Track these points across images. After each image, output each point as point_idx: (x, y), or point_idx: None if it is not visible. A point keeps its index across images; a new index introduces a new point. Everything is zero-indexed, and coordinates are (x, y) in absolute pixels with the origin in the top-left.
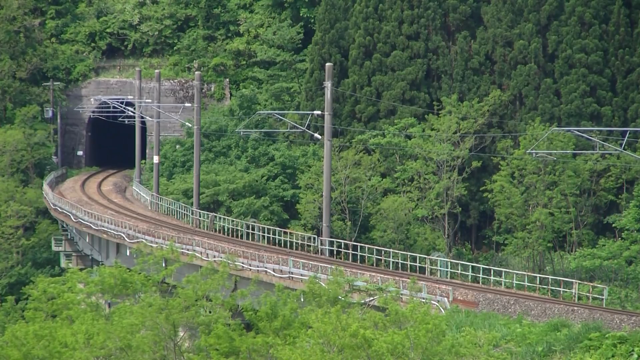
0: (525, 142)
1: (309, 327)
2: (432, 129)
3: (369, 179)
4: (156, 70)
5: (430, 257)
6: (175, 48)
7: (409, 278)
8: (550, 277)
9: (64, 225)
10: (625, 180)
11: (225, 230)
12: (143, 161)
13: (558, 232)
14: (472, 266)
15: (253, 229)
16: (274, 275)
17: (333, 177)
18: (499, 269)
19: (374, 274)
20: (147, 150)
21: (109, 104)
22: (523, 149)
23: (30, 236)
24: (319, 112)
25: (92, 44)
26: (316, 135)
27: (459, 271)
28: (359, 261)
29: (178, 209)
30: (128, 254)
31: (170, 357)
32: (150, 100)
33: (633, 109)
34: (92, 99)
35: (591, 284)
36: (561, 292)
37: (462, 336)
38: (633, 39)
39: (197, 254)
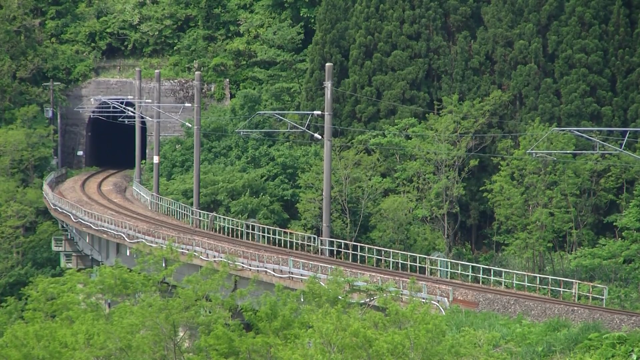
0: (525, 142)
1: (309, 327)
2: (431, 129)
3: (369, 179)
4: (156, 70)
5: (430, 257)
6: (175, 48)
7: (409, 278)
8: (550, 277)
9: (64, 225)
10: (625, 180)
11: (225, 230)
12: (143, 161)
13: (558, 232)
14: (472, 266)
15: (253, 229)
16: (273, 275)
17: (333, 177)
18: (499, 269)
19: (374, 274)
20: (147, 150)
21: (109, 104)
22: (523, 149)
23: (30, 236)
24: (319, 112)
25: (92, 44)
26: (316, 135)
27: (459, 271)
28: (359, 261)
29: (178, 209)
30: (128, 254)
31: (170, 357)
32: (150, 100)
33: (633, 109)
34: (92, 99)
35: (591, 283)
36: (561, 292)
37: (462, 336)
38: (633, 39)
39: (197, 254)
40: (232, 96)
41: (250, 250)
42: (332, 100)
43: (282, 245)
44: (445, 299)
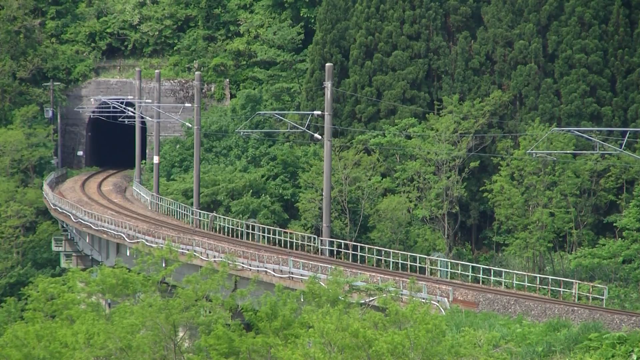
0: (525, 142)
1: (309, 327)
2: (432, 129)
3: (369, 179)
4: (156, 71)
5: (430, 257)
6: (175, 48)
7: (408, 278)
8: (550, 277)
9: (64, 226)
10: (625, 180)
11: (225, 230)
12: (143, 161)
13: (558, 232)
14: (472, 266)
15: (253, 229)
16: (274, 275)
17: (333, 177)
18: (499, 269)
19: (374, 274)
20: (147, 151)
21: (109, 104)
22: (523, 149)
23: (30, 236)
24: (319, 112)
25: (92, 44)
26: (316, 135)
27: (459, 271)
28: (359, 261)
29: (178, 209)
30: (128, 254)
31: (170, 357)
32: (150, 101)
33: (633, 109)
34: (92, 99)
35: (591, 283)
36: (561, 292)
37: (462, 336)
38: (633, 39)
39: (197, 254)
40: (232, 96)
41: (250, 250)
42: (332, 100)
43: (282, 245)
44: (445, 299)
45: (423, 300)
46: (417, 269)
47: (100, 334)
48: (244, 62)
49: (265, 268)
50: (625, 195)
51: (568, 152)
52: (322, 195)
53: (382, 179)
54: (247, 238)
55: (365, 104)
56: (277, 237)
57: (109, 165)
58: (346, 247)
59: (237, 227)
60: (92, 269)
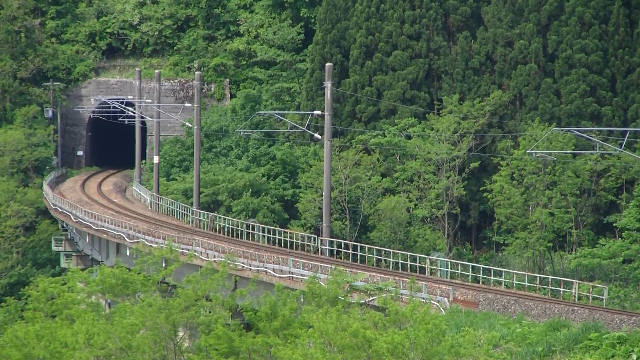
0: (525, 142)
1: (309, 327)
2: (432, 129)
3: (369, 179)
4: (156, 70)
5: (430, 257)
6: (175, 48)
7: (408, 278)
8: (550, 277)
9: (64, 225)
10: (625, 180)
11: (225, 230)
12: (143, 161)
13: (558, 232)
14: (472, 266)
15: (253, 229)
16: (274, 275)
17: (333, 177)
18: (499, 269)
19: (373, 274)
20: (147, 150)
21: (109, 104)
22: (523, 149)
23: (30, 236)
24: (319, 112)
25: (92, 44)
26: (316, 135)
27: (459, 271)
28: (359, 261)
29: (178, 209)
30: (128, 254)
31: (170, 357)
32: (150, 100)
33: (633, 109)
34: (92, 99)
35: (591, 283)
36: (561, 292)
37: (462, 336)
38: (633, 39)
39: (197, 254)
40: (232, 96)
41: (250, 250)
42: (332, 100)
43: (282, 245)
44: (445, 299)
45: (423, 300)
46: (417, 268)
47: (100, 334)
48: (244, 62)
49: (265, 268)
50: (625, 195)
51: (568, 152)
52: (322, 195)
53: (382, 179)
54: (247, 238)
55: (365, 104)
56: (277, 237)
57: (109, 165)
58: (346, 247)
59: (237, 227)
60: (92, 269)
